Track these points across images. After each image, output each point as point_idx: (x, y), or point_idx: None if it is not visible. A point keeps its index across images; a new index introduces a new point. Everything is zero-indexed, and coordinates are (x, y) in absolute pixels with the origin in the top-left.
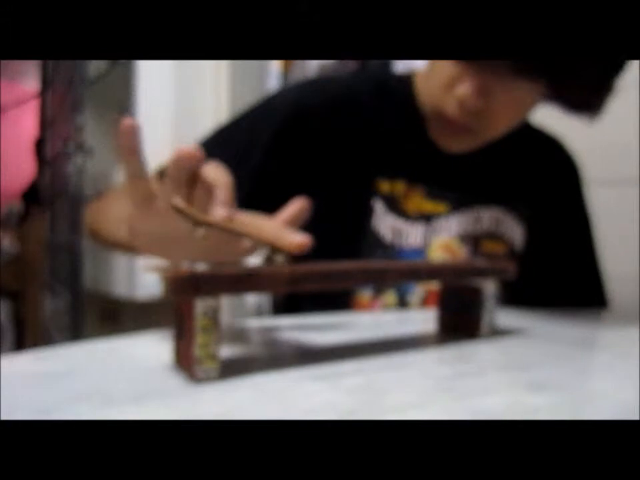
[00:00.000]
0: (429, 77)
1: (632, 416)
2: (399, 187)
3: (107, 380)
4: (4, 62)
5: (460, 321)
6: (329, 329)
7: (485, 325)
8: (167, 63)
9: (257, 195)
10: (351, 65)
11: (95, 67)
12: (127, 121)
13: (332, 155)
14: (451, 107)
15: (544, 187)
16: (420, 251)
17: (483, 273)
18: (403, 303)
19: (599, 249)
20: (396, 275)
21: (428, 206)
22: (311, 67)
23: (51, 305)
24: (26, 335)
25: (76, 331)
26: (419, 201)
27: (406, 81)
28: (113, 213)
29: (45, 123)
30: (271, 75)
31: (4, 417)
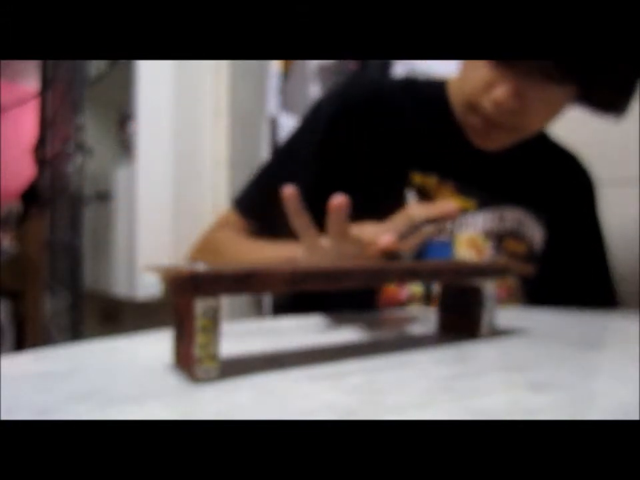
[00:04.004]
0: (463, 80)
1: (632, 416)
2: (431, 180)
3: (107, 380)
4: (4, 62)
5: (460, 321)
6: (330, 329)
7: (485, 324)
8: (167, 63)
9: (317, 183)
10: (351, 65)
11: (95, 66)
12: (287, 191)
13: (371, 147)
14: (486, 107)
15: (563, 196)
16: (446, 244)
17: (483, 272)
18: (428, 293)
19: (610, 255)
20: (396, 275)
21: (457, 201)
22: (311, 67)
23: (51, 305)
24: (26, 335)
25: (76, 331)
26: (448, 196)
27: (439, 85)
28: (257, 254)
29: (45, 123)
30: (271, 74)
31: (4, 417)
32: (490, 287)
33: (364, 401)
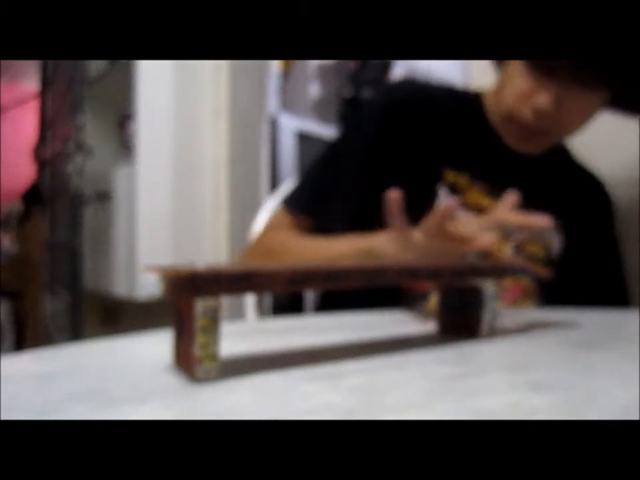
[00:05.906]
0: (501, 91)
1: (632, 416)
2: (463, 179)
3: (106, 380)
4: (4, 62)
5: (460, 321)
6: (330, 329)
7: (485, 324)
8: (166, 63)
9: (367, 176)
10: (351, 65)
11: (95, 67)
12: (392, 195)
13: (412, 144)
14: (527, 115)
15: (585, 209)
16: None
17: (483, 273)
18: None
19: (624, 262)
20: (396, 274)
21: (485, 201)
22: (311, 67)
23: (51, 305)
24: (26, 335)
25: (76, 331)
26: (477, 196)
27: (476, 95)
28: (325, 250)
29: (45, 123)
30: (271, 74)
31: (4, 417)
32: (490, 287)
33: (364, 401)
